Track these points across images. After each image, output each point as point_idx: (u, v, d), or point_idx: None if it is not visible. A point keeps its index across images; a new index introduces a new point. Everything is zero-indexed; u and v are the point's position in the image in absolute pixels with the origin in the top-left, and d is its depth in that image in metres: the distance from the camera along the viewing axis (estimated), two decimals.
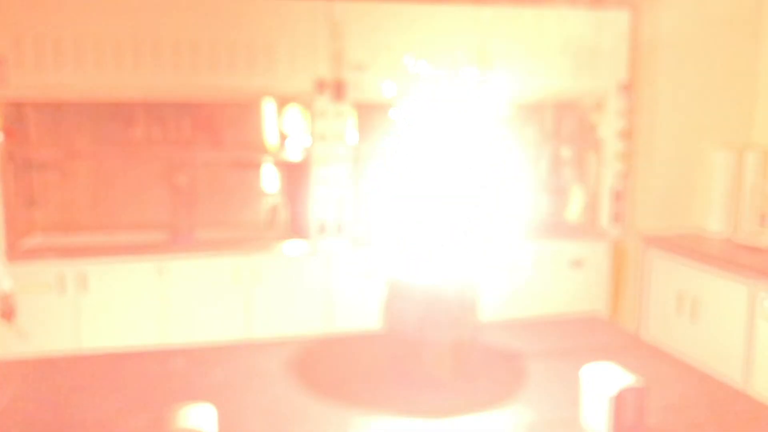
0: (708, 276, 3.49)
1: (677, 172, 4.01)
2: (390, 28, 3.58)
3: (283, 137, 3.86)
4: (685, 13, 3.84)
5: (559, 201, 4.33)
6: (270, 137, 3.93)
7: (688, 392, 1.77)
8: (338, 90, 3.56)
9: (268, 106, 3.92)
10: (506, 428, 1.63)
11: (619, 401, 1.55)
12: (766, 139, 3.94)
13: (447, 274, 1.84)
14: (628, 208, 4.11)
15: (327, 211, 3.62)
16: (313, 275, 3.66)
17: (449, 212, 1.74)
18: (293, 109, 3.76)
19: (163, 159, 3.83)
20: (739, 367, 3.28)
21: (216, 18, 3.41)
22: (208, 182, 3.99)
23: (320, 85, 3.54)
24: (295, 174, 3.77)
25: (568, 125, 4.32)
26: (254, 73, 3.47)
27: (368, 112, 3.72)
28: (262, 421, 1.68)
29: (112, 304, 3.47)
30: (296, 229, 3.77)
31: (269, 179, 4.05)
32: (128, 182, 3.92)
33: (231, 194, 4.04)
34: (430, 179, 1.72)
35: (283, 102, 3.80)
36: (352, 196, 3.64)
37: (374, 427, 1.64)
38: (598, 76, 3.90)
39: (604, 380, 1.59)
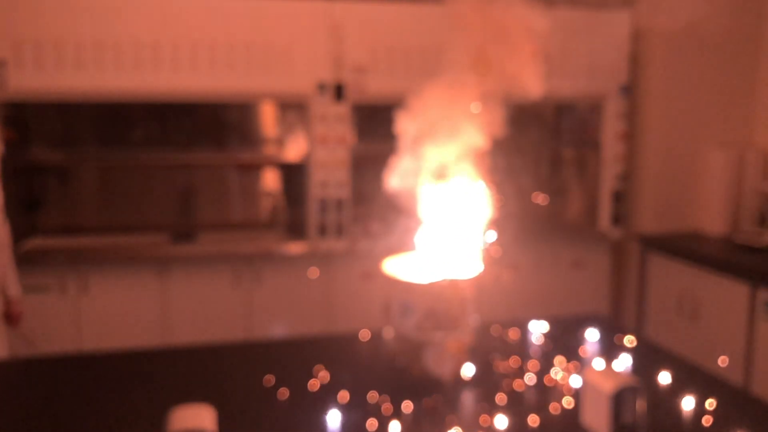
0: (708, 277, 3.49)
1: (677, 173, 4.01)
2: (390, 29, 3.59)
3: (283, 139, 3.87)
4: (685, 14, 3.85)
5: (559, 202, 4.34)
6: (270, 139, 3.94)
7: (688, 393, 1.77)
8: (338, 91, 3.56)
9: (268, 108, 3.92)
10: (507, 428, 1.64)
11: (619, 401, 1.56)
12: (766, 140, 3.95)
13: (447, 273, 1.85)
14: (628, 209, 4.11)
15: (327, 213, 3.63)
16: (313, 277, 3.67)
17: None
18: (293, 111, 3.76)
19: (163, 161, 3.83)
20: (740, 368, 3.28)
21: (216, 20, 3.42)
22: (209, 184, 3.99)
23: (320, 87, 3.55)
24: (295, 175, 3.78)
25: (568, 126, 4.32)
26: (254, 74, 3.48)
27: (368, 114, 3.72)
28: (262, 421, 1.69)
29: (112, 306, 3.48)
30: (296, 230, 3.78)
31: (270, 181, 4.05)
32: (129, 184, 3.92)
33: (232, 196, 4.05)
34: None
35: (283, 103, 3.81)
36: (352, 198, 3.65)
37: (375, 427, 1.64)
38: (598, 78, 3.91)
39: (603, 380, 1.59)
